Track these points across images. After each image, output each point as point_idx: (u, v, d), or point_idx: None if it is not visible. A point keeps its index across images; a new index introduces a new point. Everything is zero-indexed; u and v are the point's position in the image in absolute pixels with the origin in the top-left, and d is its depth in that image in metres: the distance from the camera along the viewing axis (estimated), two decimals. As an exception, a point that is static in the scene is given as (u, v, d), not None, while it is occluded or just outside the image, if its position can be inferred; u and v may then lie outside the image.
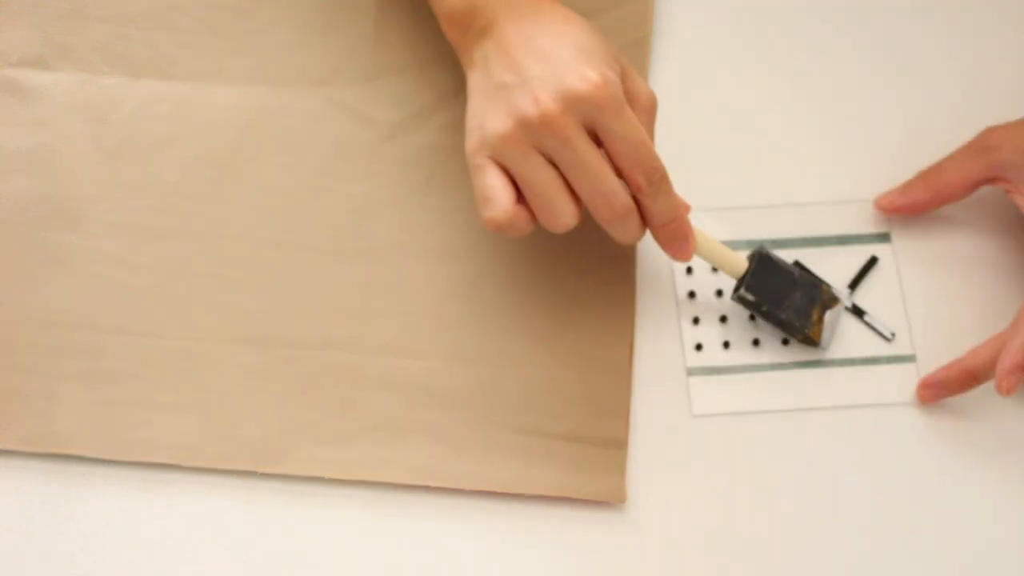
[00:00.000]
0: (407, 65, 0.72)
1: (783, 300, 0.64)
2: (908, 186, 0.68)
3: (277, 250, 0.68)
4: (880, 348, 0.66)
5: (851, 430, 0.65)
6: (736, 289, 0.65)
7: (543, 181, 0.58)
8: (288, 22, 0.74)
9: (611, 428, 0.64)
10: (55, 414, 0.64)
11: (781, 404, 0.65)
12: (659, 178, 0.59)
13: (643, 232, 0.61)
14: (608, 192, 0.58)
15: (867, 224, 0.69)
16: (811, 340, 0.65)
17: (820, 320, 0.65)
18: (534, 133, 0.57)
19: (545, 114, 0.57)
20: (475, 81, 0.61)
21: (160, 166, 0.70)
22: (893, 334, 0.67)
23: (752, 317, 0.67)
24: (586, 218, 0.68)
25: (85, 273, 0.67)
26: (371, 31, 0.73)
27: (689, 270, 0.68)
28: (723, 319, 0.67)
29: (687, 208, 0.62)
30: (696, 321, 0.67)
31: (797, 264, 0.67)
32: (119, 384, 0.65)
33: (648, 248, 0.68)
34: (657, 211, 0.60)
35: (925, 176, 0.68)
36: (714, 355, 0.66)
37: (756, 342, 0.66)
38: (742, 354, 0.66)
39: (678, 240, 0.62)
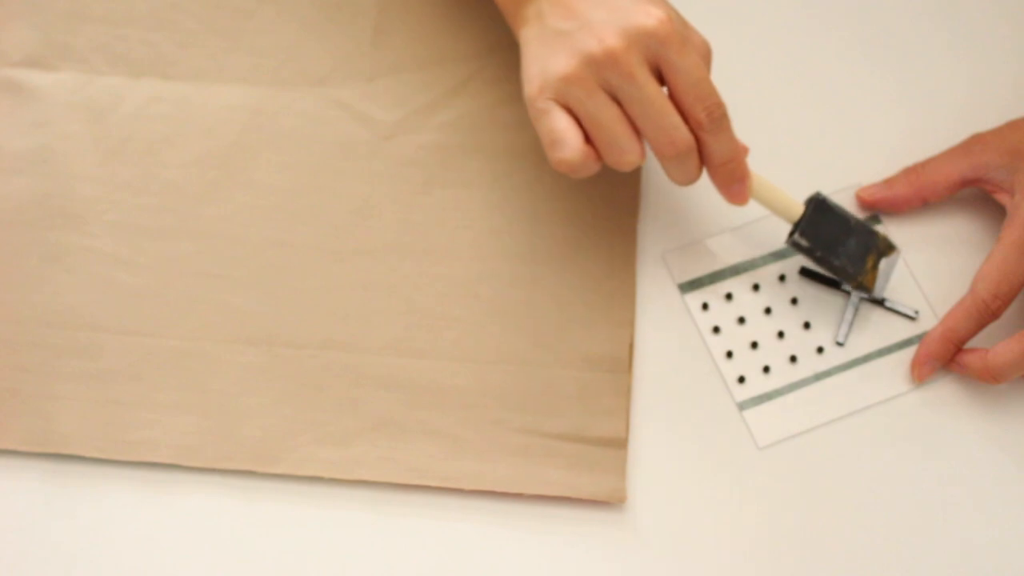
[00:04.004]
0: (407, 65, 0.72)
1: (837, 247, 0.64)
2: (891, 181, 0.69)
3: (277, 250, 0.68)
4: (908, 329, 0.67)
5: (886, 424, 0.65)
6: (791, 234, 0.65)
7: (609, 118, 0.59)
8: (288, 22, 0.74)
9: (611, 428, 0.64)
10: (55, 414, 0.64)
11: (836, 411, 0.65)
12: (720, 114, 0.59)
13: (700, 172, 0.62)
14: (671, 127, 0.59)
15: (856, 212, 0.69)
16: (864, 287, 0.65)
17: (875, 267, 0.65)
18: (599, 70, 0.58)
19: (610, 49, 0.57)
20: (529, 34, 0.61)
21: (160, 166, 0.70)
22: (916, 312, 0.67)
23: (781, 334, 0.67)
24: (587, 218, 0.68)
25: (85, 273, 0.67)
26: (371, 31, 0.73)
27: (705, 306, 0.67)
28: (754, 345, 0.67)
29: (745, 150, 0.63)
30: (730, 355, 0.67)
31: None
32: (119, 384, 0.65)
33: (649, 249, 0.68)
34: (717, 149, 0.60)
35: (908, 173, 0.68)
36: (758, 383, 0.66)
37: (793, 359, 0.67)
38: (784, 374, 0.66)
39: (736, 180, 0.62)
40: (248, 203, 0.69)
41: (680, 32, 0.58)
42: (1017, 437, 0.65)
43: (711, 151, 0.61)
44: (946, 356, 0.65)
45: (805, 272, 0.67)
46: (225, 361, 0.65)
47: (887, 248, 0.65)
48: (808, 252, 0.65)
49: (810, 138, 0.71)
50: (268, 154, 0.70)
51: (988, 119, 0.68)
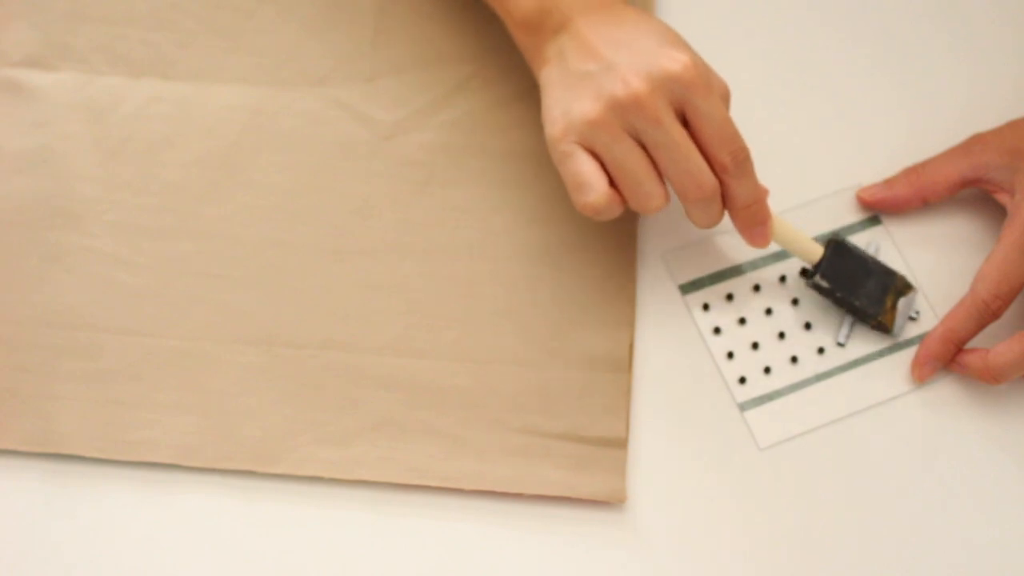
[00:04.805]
0: (406, 65, 0.72)
1: (857, 287, 0.65)
2: (891, 182, 0.69)
3: (277, 250, 0.68)
4: (909, 330, 0.67)
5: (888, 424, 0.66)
6: (811, 275, 0.65)
7: (635, 163, 0.59)
8: (288, 22, 0.74)
9: (611, 428, 0.64)
10: (55, 414, 0.64)
11: (837, 412, 0.65)
12: (744, 158, 0.60)
13: (722, 216, 0.62)
14: (696, 172, 0.59)
15: (857, 212, 0.69)
16: (884, 326, 0.66)
17: (894, 307, 0.65)
18: (624, 114, 0.58)
19: (636, 93, 0.58)
20: (550, 75, 0.61)
21: (160, 166, 0.70)
22: (917, 312, 0.67)
23: (782, 335, 0.67)
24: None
25: (85, 273, 0.67)
26: (371, 31, 0.73)
27: (706, 307, 0.67)
28: (755, 346, 0.67)
29: (766, 192, 0.63)
30: (731, 356, 0.66)
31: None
32: (119, 384, 0.65)
33: (649, 249, 0.68)
34: (740, 192, 0.61)
35: (908, 173, 0.68)
36: (759, 384, 0.66)
37: (794, 359, 0.66)
38: (785, 374, 0.66)
39: (757, 223, 0.63)
40: (248, 203, 0.69)
41: (704, 77, 0.59)
42: (1018, 437, 0.65)
43: (734, 194, 0.61)
44: (946, 356, 0.65)
45: (805, 273, 0.67)
46: (225, 361, 0.65)
47: (905, 288, 0.66)
48: (829, 293, 0.65)
49: (810, 138, 0.71)
50: (268, 154, 0.70)
51: (988, 120, 0.68)
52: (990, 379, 0.64)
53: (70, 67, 0.72)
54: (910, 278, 0.67)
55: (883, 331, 0.66)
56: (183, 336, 0.66)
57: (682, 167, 0.59)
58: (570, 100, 0.60)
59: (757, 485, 0.64)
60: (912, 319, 0.67)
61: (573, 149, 0.60)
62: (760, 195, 0.62)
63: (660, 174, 0.60)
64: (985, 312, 0.64)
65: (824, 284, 0.65)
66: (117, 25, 0.73)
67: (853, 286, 0.65)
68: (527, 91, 0.72)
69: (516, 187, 0.69)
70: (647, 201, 0.60)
